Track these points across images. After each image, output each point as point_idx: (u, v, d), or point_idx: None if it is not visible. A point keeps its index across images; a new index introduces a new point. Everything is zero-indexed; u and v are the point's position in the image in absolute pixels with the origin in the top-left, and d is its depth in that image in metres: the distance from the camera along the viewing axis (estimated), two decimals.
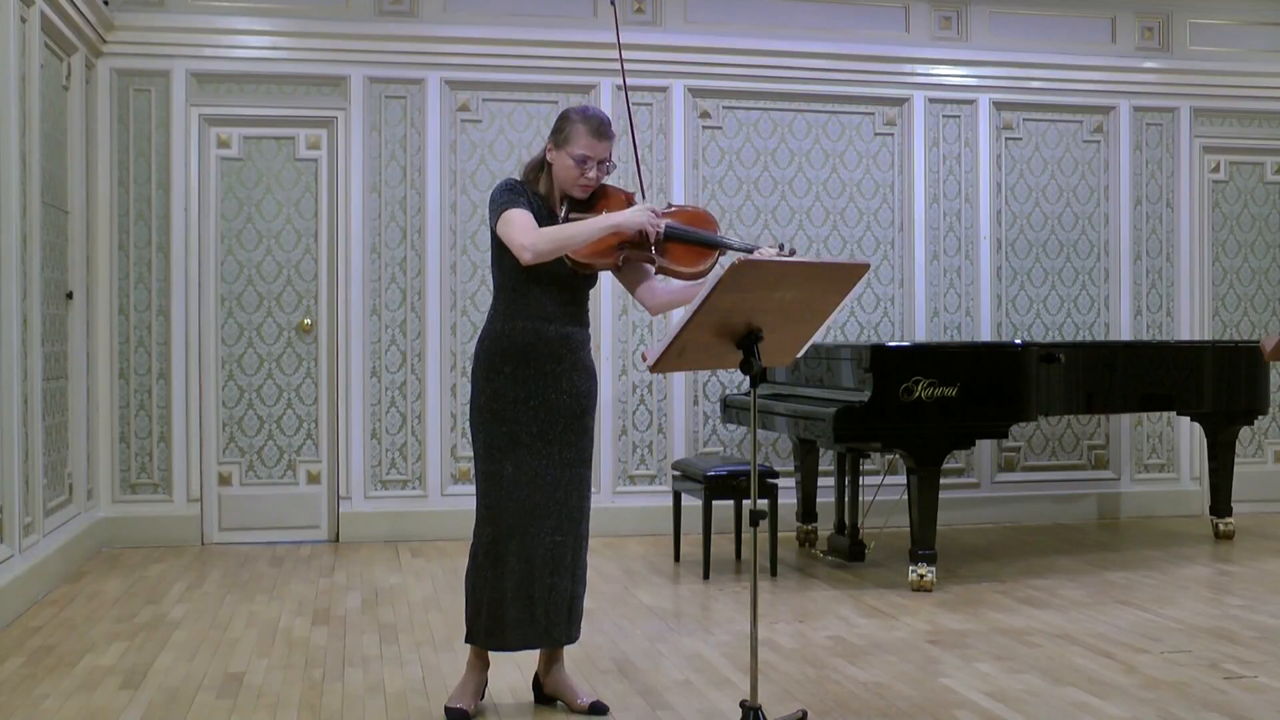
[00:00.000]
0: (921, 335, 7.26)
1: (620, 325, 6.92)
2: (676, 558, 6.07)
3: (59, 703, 3.77)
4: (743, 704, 3.29)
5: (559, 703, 3.73)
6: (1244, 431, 7.30)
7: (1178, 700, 3.78)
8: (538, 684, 3.78)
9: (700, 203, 6.99)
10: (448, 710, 3.62)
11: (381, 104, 6.75)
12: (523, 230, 3.43)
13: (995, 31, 7.40)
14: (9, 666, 4.17)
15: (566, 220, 3.59)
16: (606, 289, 6.73)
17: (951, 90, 7.33)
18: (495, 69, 6.82)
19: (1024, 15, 7.43)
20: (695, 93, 7.02)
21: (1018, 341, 5.72)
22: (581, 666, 4.12)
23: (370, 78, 6.72)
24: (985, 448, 7.35)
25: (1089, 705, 3.73)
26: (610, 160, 3.60)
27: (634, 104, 6.90)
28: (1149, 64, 7.57)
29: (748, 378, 3.24)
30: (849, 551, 6.01)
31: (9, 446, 4.89)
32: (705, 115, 7.05)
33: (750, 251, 3.37)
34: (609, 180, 3.68)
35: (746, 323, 3.19)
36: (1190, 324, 7.64)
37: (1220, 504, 6.71)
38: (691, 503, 6.04)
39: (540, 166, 3.64)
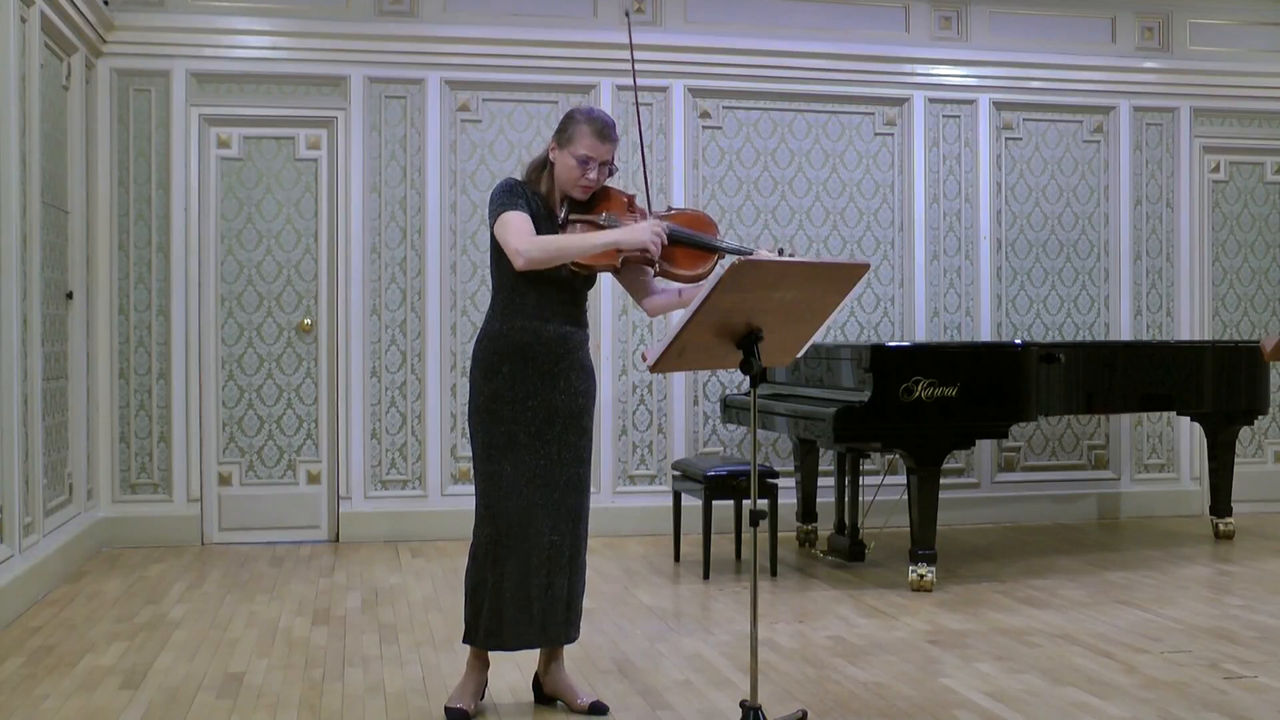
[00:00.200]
0: (921, 335, 7.26)
1: (620, 325, 6.92)
2: (676, 558, 6.07)
3: (59, 703, 3.77)
4: (743, 704, 3.30)
5: (559, 703, 3.73)
6: (1244, 431, 7.31)
7: (1178, 700, 3.78)
8: (538, 684, 3.78)
9: (700, 203, 6.99)
10: (448, 710, 3.62)
11: (381, 104, 6.75)
12: (518, 235, 3.43)
13: (995, 31, 7.40)
14: (9, 666, 4.17)
15: (566, 221, 3.59)
16: (606, 289, 6.73)
17: (951, 90, 7.33)
18: (495, 69, 6.82)
19: (1024, 15, 7.43)
20: (695, 93, 7.02)
21: (1018, 341, 5.72)
22: (581, 666, 4.12)
23: (370, 78, 6.72)
24: (985, 448, 7.35)
25: (1089, 705, 3.73)
26: (612, 163, 3.60)
27: (634, 104, 6.91)
28: (1149, 64, 7.57)
29: (748, 378, 3.24)
30: (849, 551, 6.01)
31: (9, 446, 4.89)
32: (705, 115, 7.05)
33: (750, 254, 3.37)
34: (610, 182, 3.68)
35: (746, 323, 3.19)
36: (1190, 324, 7.64)
37: (1220, 504, 6.71)
38: (691, 503, 6.04)
39: (542, 166, 3.64)
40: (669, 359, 3.23)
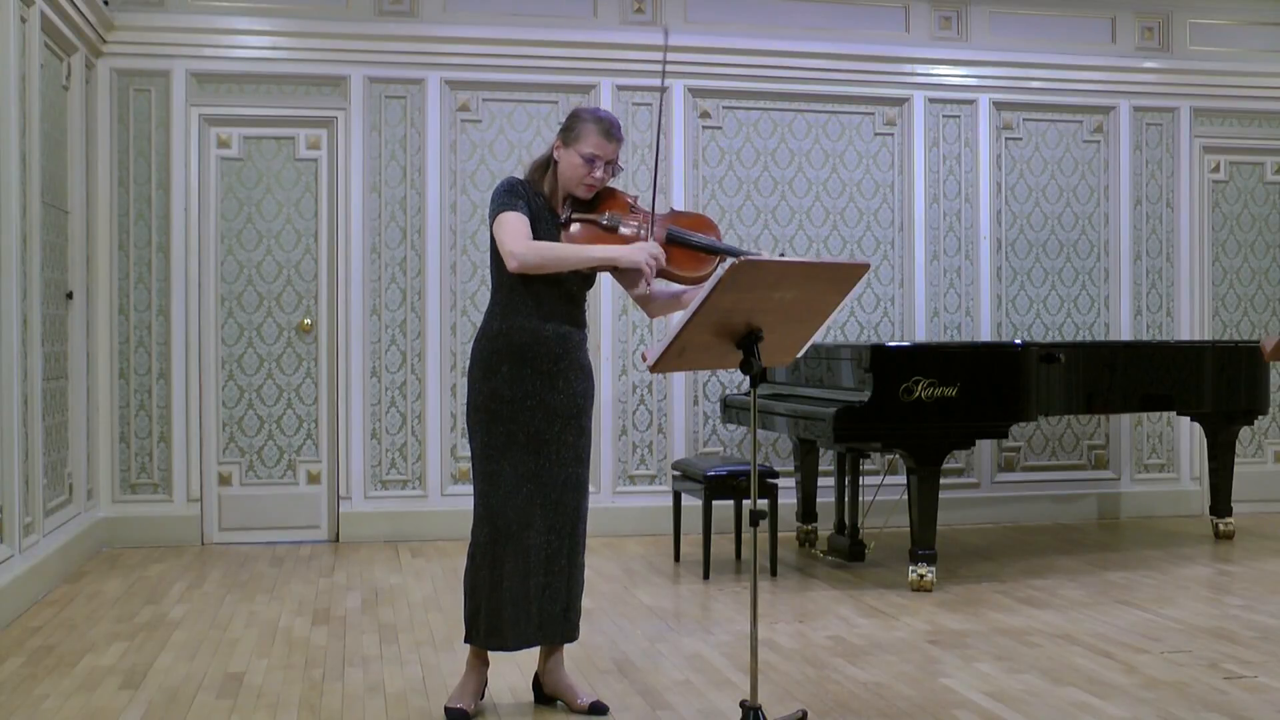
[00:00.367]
0: (921, 335, 7.26)
1: (620, 325, 6.92)
2: (676, 558, 6.07)
3: (59, 703, 3.77)
4: (743, 704, 3.30)
5: (559, 703, 3.73)
6: (1244, 431, 7.31)
7: (1178, 700, 3.78)
8: (538, 684, 3.78)
9: (700, 202, 7.00)
10: (448, 710, 3.62)
11: (381, 104, 6.75)
12: (514, 237, 3.43)
13: (995, 31, 7.40)
14: (9, 666, 4.17)
15: (569, 220, 3.59)
16: (606, 289, 6.73)
17: (951, 90, 7.33)
18: (495, 69, 6.82)
19: (1024, 15, 7.43)
20: (695, 93, 7.02)
21: (1018, 341, 5.72)
22: (581, 666, 4.12)
23: (370, 78, 6.72)
24: (985, 448, 7.36)
25: (1089, 705, 3.73)
26: (617, 163, 3.60)
27: (634, 104, 6.91)
28: (1149, 64, 7.57)
29: (748, 378, 3.24)
30: (849, 551, 6.01)
31: (9, 446, 4.89)
32: (705, 115, 7.05)
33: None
34: (612, 183, 3.68)
35: (746, 323, 3.19)
36: (1190, 324, 7.64)
37: (1220, 504, 6.70)
38: (691, 503, 6.04)
39: (545, 166, 3.64)
40: (669, 359, 3.23)
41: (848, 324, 7.23)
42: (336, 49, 6.67)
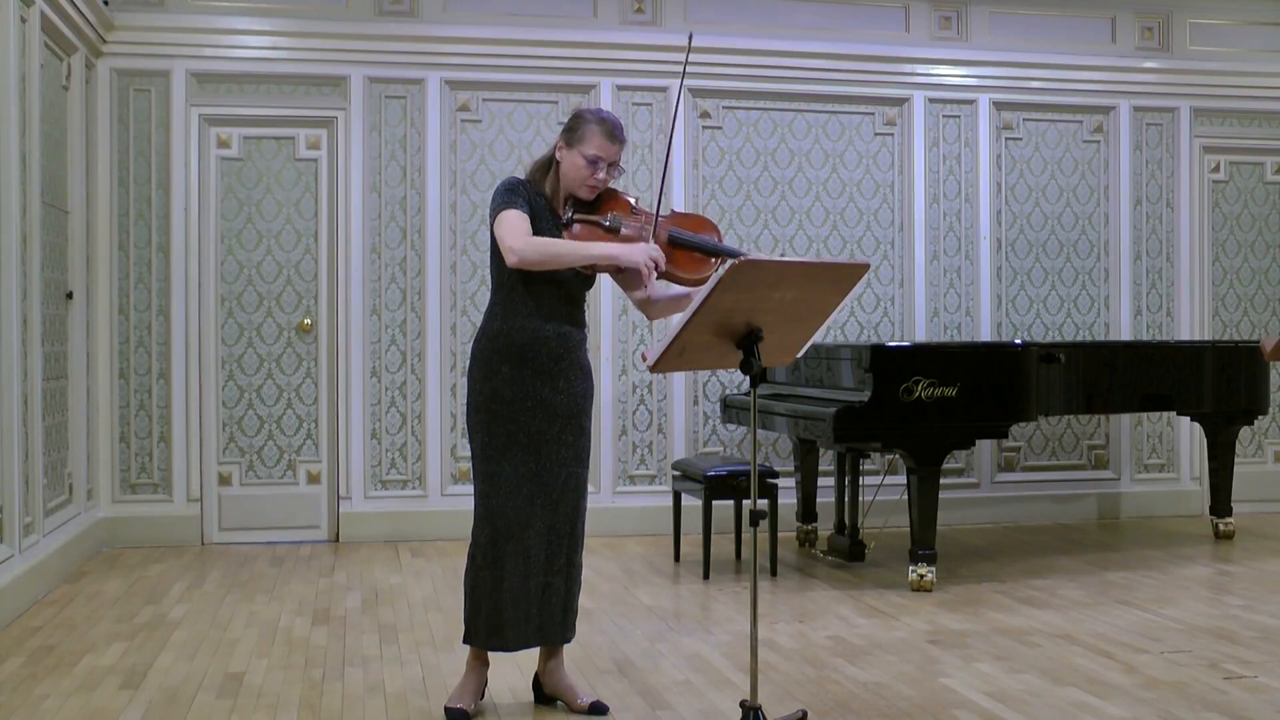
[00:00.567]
0: (921, 335, 7.26)
1: (620, 325, 6.92)
2: (676, 558, 6.07)
3: (59, 703, 3.77)
4: (743, 704, 3.30)
5: (559, 703, 3.73)
6: (1244, 431, 7.31)
7: (1178, 700, 3.78)
8: (538, 684, 3.78)
9: (700, 203, 7.00)
10: (448, 710, 3.62)
11: (381, 104, 6.75)
12: (514, 233, 3.43)
13: (995, 31, 7.40)
14: (9, 666, 4.17)
15: (571, 221, 3.59)
16: (606, 289, 6.73)
17: (951, 90, 7.33)
18: (495, 69, 6.82)
19: (1024, 15, 7.43)
20: (695, 93, 7.02)
21: (1018, 341, 5.72)
22: (581, 666, 4.12)
23: (370, 78, 6.72)
24: (985, 448, 7.35)
25: (1089, 705, 3.73)
26: (619, 164, 3.60)
27: (634, 104, 6.91)
28: (1149, 64, 7.57)
29: (748, 378, 3.24)
30: (849, 551, 6.01)
31: (9, 446, 4.89)
32: (705, 115, 7.05)
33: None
34: (614, 184, 3.68)
35: (746, 323, 3.19)
36: (1190, 324, 7.64)
37: (1220, 504, 6.70)
38: (691, 503, 6.04)
39: (546, 166, 3.64)
40: (669, 359, 3.23)
41: (848, 324, 7.23)
42: (336, 49, 6.67)
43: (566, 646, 3.80)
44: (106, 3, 6.36)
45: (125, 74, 6.53)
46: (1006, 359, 5.49)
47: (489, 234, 3.59)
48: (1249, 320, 7.77)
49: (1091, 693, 3.86)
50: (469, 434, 3.66)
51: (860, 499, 6.07)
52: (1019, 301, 7.45)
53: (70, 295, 5.98)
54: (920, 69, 7.27)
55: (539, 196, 3.60)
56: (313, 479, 6.71)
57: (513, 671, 4.02)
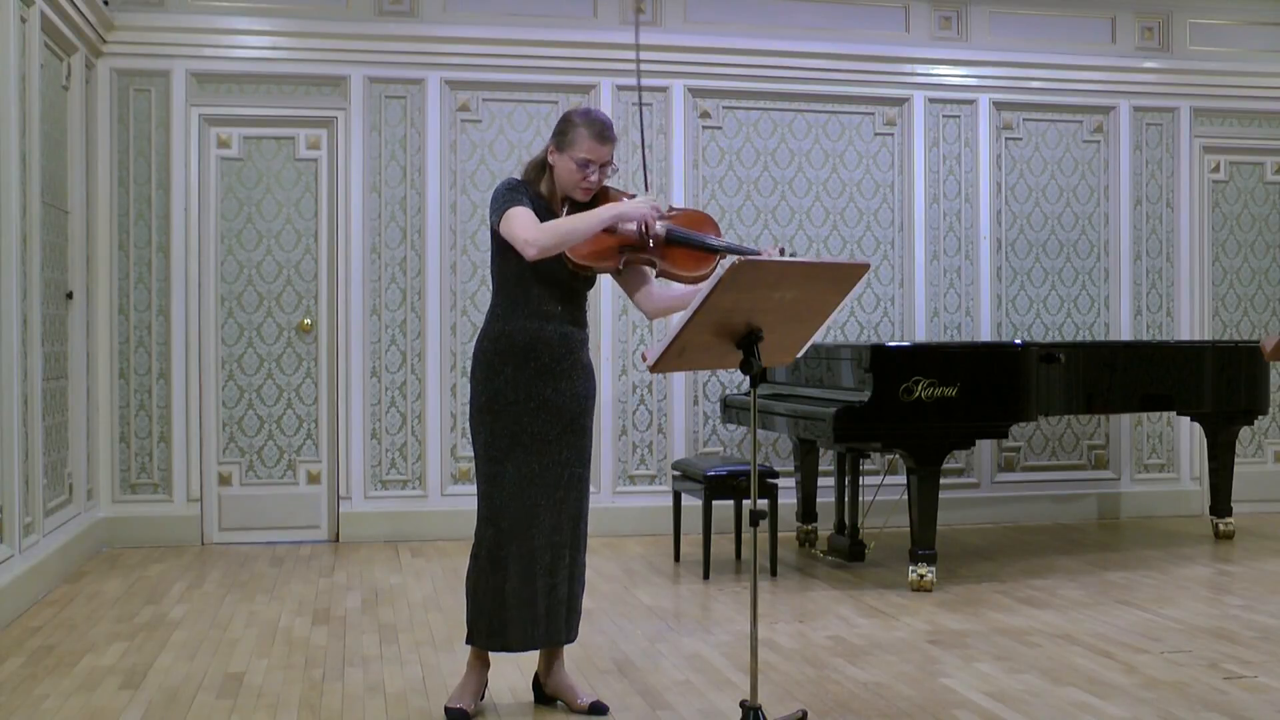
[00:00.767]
0: (921, 335, 7.26)
1: (620, 325, 6.92)
2: (676, 558, 6.07)
3: (59, 703, 3.77)
4: (743, 704, 3.30)
5: (559, 703, 3.73)
6: (1244, 431, 7.31)
7: (1178, 700, 3.78)
8: (538, 684, 3.78)
9: (700, 203, 6.99)
10: (448, 710, 3.62)
11: (381, 104, 6.75)
12: (525, 226, 3.43)
13: (995, 31, 7.40)
14: (9, 666, 4.17)
15: None
16: (607, 289, 6.73)
17: (951, 90, 7.33)
18: (495, 69, 6.82)
19: (1024, 15, 7.43)
20: (695, 93, 7.02)
21: (1018, 341, 5.72)
22: (581, 666, 4.12)
23: (370, 78, 6.72)
24: (985, 448, 7.35)
25: (1089, 705, 3.73)
26: (612, 163, 3.60)
27: (634, 104, 6.91)
28: (1149, 64, 7.57)
29: (748, 378, 3.24)
30: (849, 551, 6.01)
31: (9, 446, 4.89)
32: (705, 115, 7.05)
33: (750, 254, 3.37)
34: (610, 182, 3.68)
35: (746, 323, 3.19)
36: (1190, 324, 7.64)
37: (1220, 504, 6.70)
38: (691, 503, 6.04)
39: (541, 167, 3.64)
40: (669, 359, 3.23)
41: (848, 324, 7.23)
42: (336, 49, 6.67)
43: (567, 646, 3.80)
44: (106, 3, 6.36)
45: (125, 74, 6.53)
46: (1006, 359, 5.49)
47: (489, 234, 3.59)
48: (1249, 320, 7.77)
49: (1091, 693, 3.86)
50: (472, 434, 3.66)
51: (860, 499, 6.07)
52: (1019, 301, 7.45)
53: (70, 295, 5.98)
54: (920, 69, 7.27)
55: (537, 198, 3.60)
56: (313, 479, 6.71)
57: (513, 671, 4.02)
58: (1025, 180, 7.46)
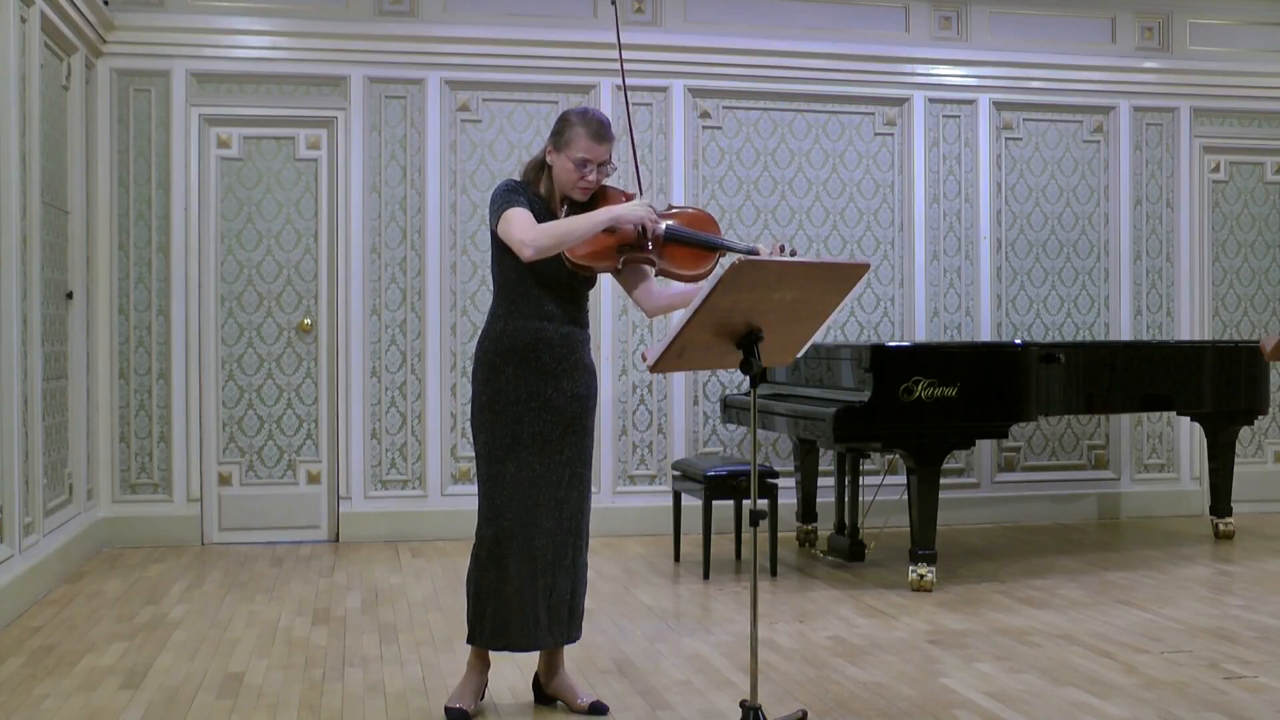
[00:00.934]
0: (921, 335, 7.26)
1: (620, 325, 6.92)
2: (676, 558, 6.07)
3: (59, 703, 3.77)
4: (743, 704, 3.30)
5: (559, 703, 3.73)
6: (1244, 431, 7.31)
7: (1178, 700, 3.78)
8: (538, 684, 3.78)
9: (700, 203, 6.99)
10: (448, 710, 3.62)
11: (381, 104, 6.75)
12: (522, 227, 3.43)
13: (995, 31, 7.40)
14: (9, 666, 4.17)
15: None
16: (607, 289, 6.73)
17: (951, 90, 7.33)
18: (495, 69, 6.82)
19: (1024, 15, 7.43)
20: (695, 93, 7.02)
21: (1018, 341, 5.72)
22: (581, 666, 4.12)
23: (370, 78, 6.72)
24: (985, 448, 7.36)
25: (1089, 705, 3.73)
26: (610, 163, 3.60)
27: (634, 104, 6.90)
28: (1149, 64, 7.57)
29: (748, 378, 3.24)
30: (849, 551, 6.01)
31: (9, 446, 4.89)
32: (705, 115, 7.05)
33: (751, 254, 3.37)
34: (609, 181, 3.68)
35: (746, 323, 3.19)
36: (1190, 324, 7.64)
37: (1220, 504, 6.70)
38: (691, 503, 6.04)
39: (540, 167, 3.64)
40: (669, 359, 3.23)
41: (848, 324, 7.23)
42: (336, 49, 6.67)
43: (567, 647, 3.80)
44: (106, 3, 6.36)
45: (125, 74, 6.53)
46: (1006, 359, 5.49)
47: (489, 235, 3.59)
48: (1249, 320, 7.77)
49: (1091, 693, 3.86)
50: (473, 434, 3.66)
51: (860, 499, 6.07)
52: (1019, 301, 7.45)
53: (70, 295, 5.98)
54: (920, 69, 7.27)
55: (536, 198, 3.60)
56: (313, 479, 6.71)
57: (513, 671, 4.02)
58: (1025, 180, 7.46)
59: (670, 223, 3.59)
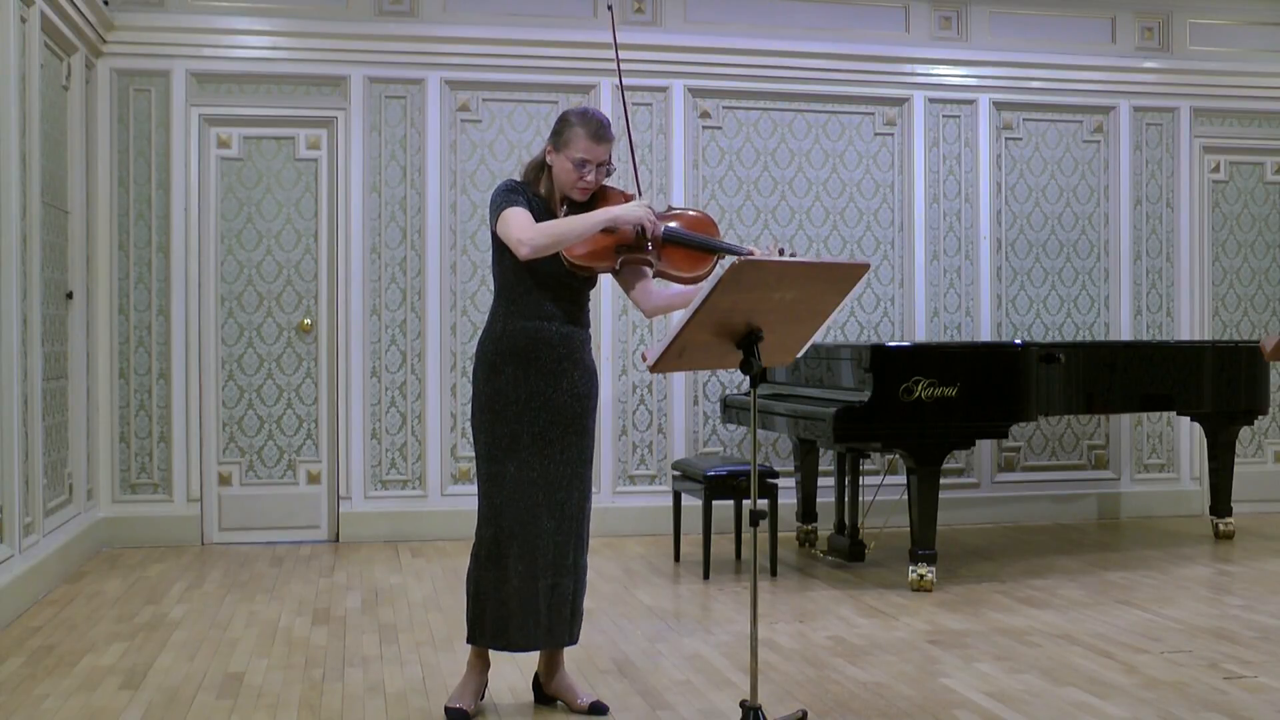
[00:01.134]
0: (921, 335, 7.26)
1: (620, 325, 6.92)
2: (676, 558, 6.07)
3: (59, 703, 3.77)
4: (743, 704, 3.30)
5: (559, 703, 3.73)
6: (1244, 431, 7.31)
7: (1178, 700, 3.78)
8: (538, 684, 3.78)
9: (700, 203, 6.99)
10: (448, 710, 3.62)
11: (381, 104, 6.75)
12: (520, 226, 3.43)
13: (995, 31, 7.40)
14: (9, 666, 4.17)
15: None
16: (607, 289, 6.73)
17: (951, 90, 7.33)
18: (495, 69, 6.82)
19: (1024, 15, 7.43)
20: (695, 93, 7.02)
21: (1018, 341, 5.72)
22: (581, 666, 4.12)
23: (370, 78, 6.72)
24: (985, 448, 7.36)
25: (1089, 705, 3.73)
26: (610, 163, 3.60)
27: (634, 104, 6.91)
28: (1149, 64, 7.57)
29: (748, 378, 3.24)
30: (849, 551, 6.01)
31: (9, 446, 4.89)
32: (705, 115, 7.05)
33: (749, 254, 3.37)
34: (609, 182, 3.68)
35: (746, 323, 3.19)
36: (1190, 324, 7.64)
37: (1220, 504, 6.71)
38: (691, 503, 6.04)
39: (540, 167, 3.64)
40: (669, 359, 3.23)
41: (848, 324, 7.23)
42: (336, 49, 6.67)
43: (567, 647, 3.79)
44: (106, 3, 6.36)
45: (125, 74, 6.53)
46: (1006, 359, 5.49)
47: (489, 235, 3.59)
48: (1249, 320, 7.77)
49: (1091, 693, 3.86)
50: (473, 434, 3.66)
51: (860, 499, 6.07)
52: (1019, 301, 7.45)
53: (70, 295, 5.98)
54: (920, 69, 7.27)
55: (536, 198, 3.60)
56: (313, 479, 6.71)
57: (513, 671, 4.02)
58: (1025, 180, 7.46)
59: (669, 224, 3.59)
